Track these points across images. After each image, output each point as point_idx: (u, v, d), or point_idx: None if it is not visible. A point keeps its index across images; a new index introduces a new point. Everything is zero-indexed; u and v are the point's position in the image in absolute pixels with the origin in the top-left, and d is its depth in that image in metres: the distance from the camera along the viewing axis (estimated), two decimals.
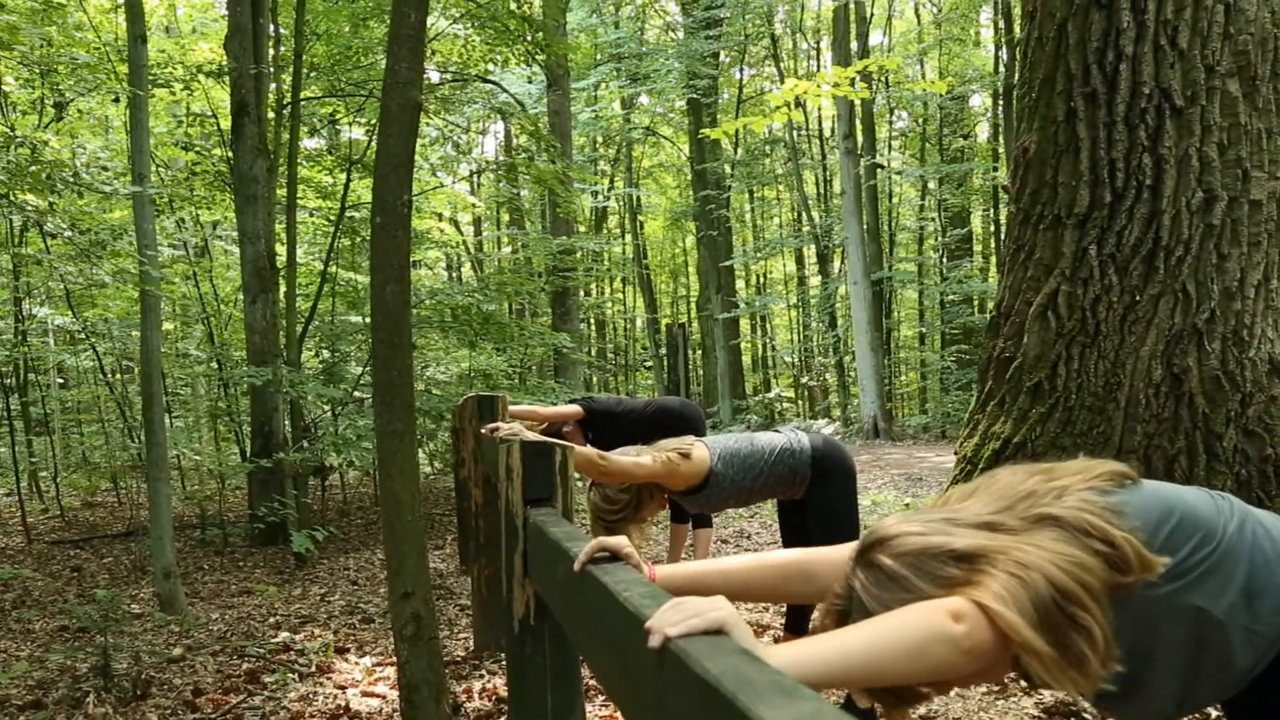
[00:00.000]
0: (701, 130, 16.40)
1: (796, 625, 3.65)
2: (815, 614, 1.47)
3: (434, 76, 11.97)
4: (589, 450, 3.20)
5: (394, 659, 3.56)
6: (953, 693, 3.45)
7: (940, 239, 22.10)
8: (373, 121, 10.39)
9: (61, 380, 14.90)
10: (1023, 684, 3.32)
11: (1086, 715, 3.11)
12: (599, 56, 21.80)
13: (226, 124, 9.25)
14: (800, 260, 27.60)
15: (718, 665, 0.81)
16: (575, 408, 4.96)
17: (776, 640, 4.07)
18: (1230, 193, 4.12)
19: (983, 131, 23.44)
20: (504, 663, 3.54)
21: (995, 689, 3.45)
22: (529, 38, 11.08)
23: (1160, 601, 1.33)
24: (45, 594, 6.62)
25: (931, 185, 22.28)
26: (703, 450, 3.30)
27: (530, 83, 18.23)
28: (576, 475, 2.57)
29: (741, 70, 24.95)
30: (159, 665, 4.67)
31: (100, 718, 3.60)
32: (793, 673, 0.81)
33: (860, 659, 1.08)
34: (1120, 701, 1.47)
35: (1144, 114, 4.23)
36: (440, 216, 17.46)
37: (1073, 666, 1.18)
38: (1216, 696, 1.49)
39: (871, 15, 20.78)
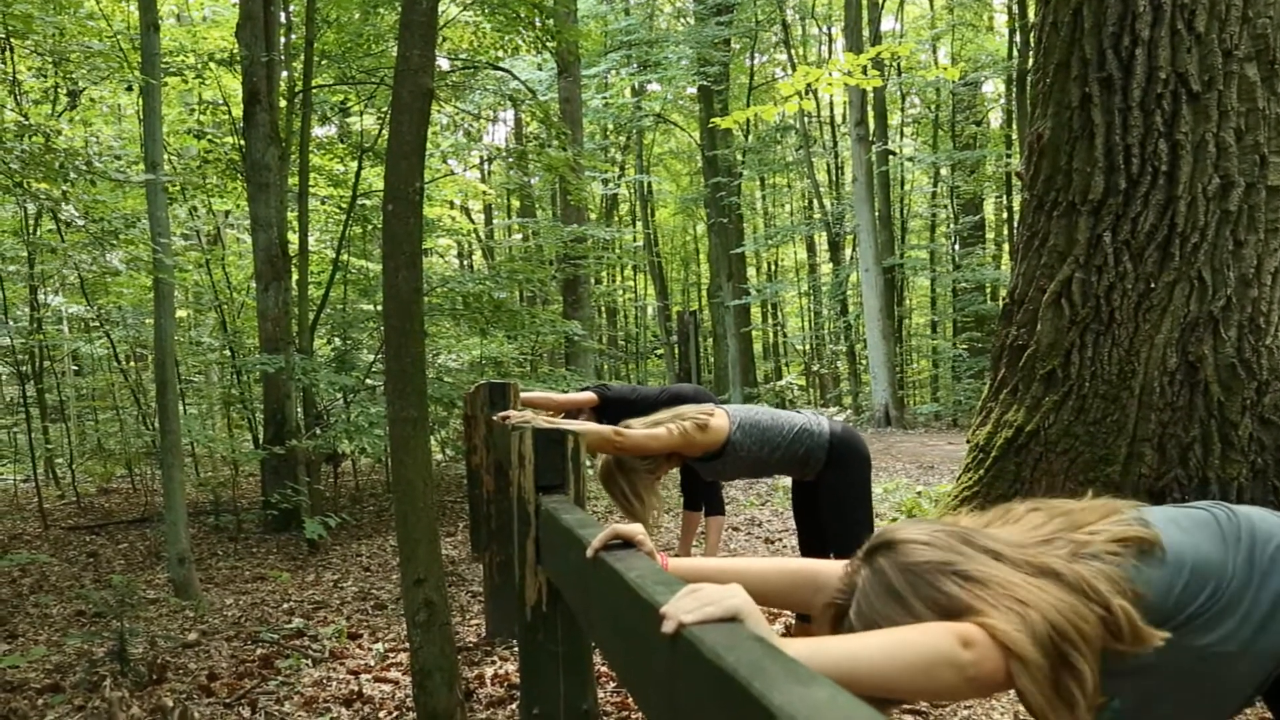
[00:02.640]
0: (713, 119, 16.33)
1: (809, 616, 3.65)
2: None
3: (444, 64, 11.95)
4: (603, 428, 3.21)
5: (406, 645, 3.58)
6: None
7: (952, 226, 22.00)
8: (384, 109, 10.39)
9: (76, 367, 14.99)
10: None
11: None
12: (609, 43, 21.71)
13: (238, 112, 9.27)
14: (811, 247, 27.51)
15: (732, 652, 0.81)
16: (590, 395, 4.97)
17: (788, 629, 4.08)
18: (1247, 179, 4.08)
19: (996, 118, 23.29)
20: (516, 649, 3.55)
21: None
22: (539, 24, 11.05)
23: (1169, 649, 1.34)
24: (62, 579, 6.67)
25: (944, 172, 22.17)
26: (722, 419, 3.30)
27: (540, 70, 18.18)
28: (588, 463, 2.58)
29: (752, 57, 24.84)
30: (174, 650, 4.70)
31: (117, 701, 3.63)
32: (807, 665, 0.81)
33: (869, 668, 1.10)
34: None
35: (1160, 99, 4.19)
36: (451, 204, 17.46)
37: (1064, 706, 1.21)
38: (1244, 707, 1.50)
39: (884, 0, 20.64)
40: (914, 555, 1.33)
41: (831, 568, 1.57)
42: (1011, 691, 1.23)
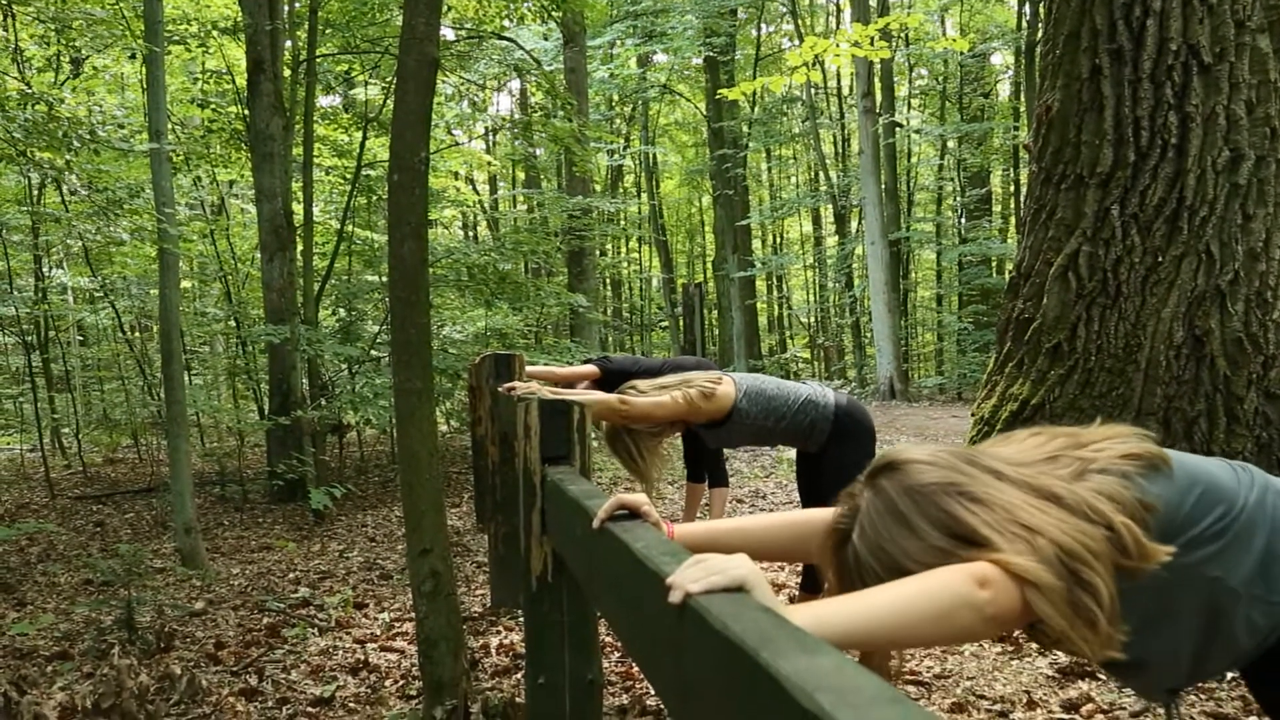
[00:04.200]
0: (719, 90, 16.19)
1: (812, 584, 3.67)
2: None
3: (449, 33, 11.86)
4: (608, 397, 3.21)
5: (412, 615, 3.60)
6: (968, 652, 3.46)
7: (959, 199, 21.87)
8: (388, 79, 10.32)
9: (81, 338, 15.02)
10: (1035, 645, 3.33)
11: (1100, 674, 3.13)
12: (615, 13, 21.50)
13: (242, 81, 9.21)
14: (817, 220, 27.39)
15: (739, 622, 0.81)
16: (591, 367, 4.97)
17: (792, 599, 4.10)
18: (1258, 152, 4.05)
19: (1004, 90, 23.10)
20: (521, 619, 3.57)
21: (1010, 648, 3.46)
22: None
23: (1177, 571, 1.33)
24: (69, 548, 6.72)
25: (951, 144, 21.99)
26: (729, 387, 3.32)
27: (546, 40, 18.03)
28: (593, 434, 2.58)
29: (759, 27, 24.60)
30: (181, 619, 4.74)
31: (125, 669, 3.67)
32: (814, 632, 0.81)
33: (883, 621, 1.08)
34: (1134, 670, 1.48)
35: (1170, 71, 4.15)
36: (456, 175, 17.40)
37: (1085, 625, 1.19)
38: (1229, 665, 1.50)
39: None
40: (918, 476, 1.32)
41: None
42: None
